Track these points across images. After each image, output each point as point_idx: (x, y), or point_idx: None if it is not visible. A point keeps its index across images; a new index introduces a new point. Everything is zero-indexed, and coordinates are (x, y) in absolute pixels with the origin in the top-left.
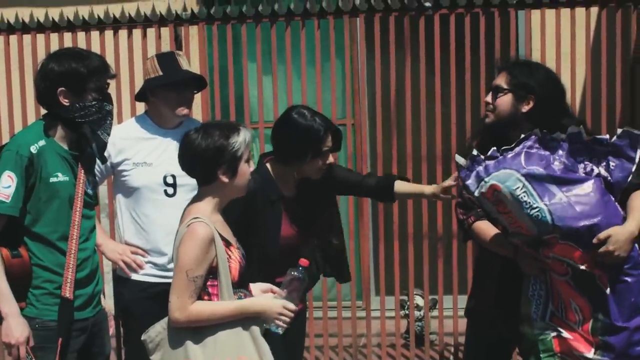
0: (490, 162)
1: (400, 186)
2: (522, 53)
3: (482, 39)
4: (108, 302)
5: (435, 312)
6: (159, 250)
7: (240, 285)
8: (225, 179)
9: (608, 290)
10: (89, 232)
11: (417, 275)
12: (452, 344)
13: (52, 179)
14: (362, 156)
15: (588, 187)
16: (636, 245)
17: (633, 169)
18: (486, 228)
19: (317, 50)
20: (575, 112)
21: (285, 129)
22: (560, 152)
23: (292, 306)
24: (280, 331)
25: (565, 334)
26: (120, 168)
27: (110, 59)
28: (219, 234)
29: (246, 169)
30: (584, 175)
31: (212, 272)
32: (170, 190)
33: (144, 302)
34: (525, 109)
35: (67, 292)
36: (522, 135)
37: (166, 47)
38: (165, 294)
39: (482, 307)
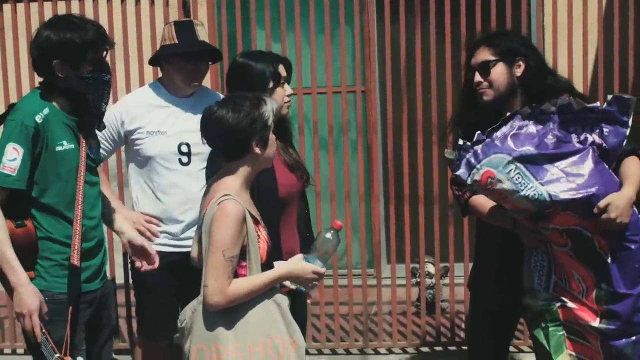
0: (478, 148)
1: None
2: (533, 18)
3: (493, 3)
4: (118, 271)
5: (446, 280)
6: (173, 219)
7: (268, 266)
8: (258, 151)
9: (609, 259)
10: (95, 200)
11: (428, 242)
12: (463, 312)
13: (58, 148)
14: (373, 123)
15: (582, 157)
16: (635, 209)
17: (627, 133)
18: (483, 202)
19: (327, 16)
20: (588, 76)
21: (237, 71)
22: (551, 124)
23: (322, 270)
24: (302, 289)
25: (570, 303)
26: (133, 137)
27: (117, 26)
28: (248, 211)
29: (274, 139)
30: (578, 145)
31: (242, 252)
32: (184, 159)
33: (158, 272)
34: (518, 73)
35: (75, 260)
36: (508, 113)
37: (174, 14)
38: (179, 263)
39: (484, 278)
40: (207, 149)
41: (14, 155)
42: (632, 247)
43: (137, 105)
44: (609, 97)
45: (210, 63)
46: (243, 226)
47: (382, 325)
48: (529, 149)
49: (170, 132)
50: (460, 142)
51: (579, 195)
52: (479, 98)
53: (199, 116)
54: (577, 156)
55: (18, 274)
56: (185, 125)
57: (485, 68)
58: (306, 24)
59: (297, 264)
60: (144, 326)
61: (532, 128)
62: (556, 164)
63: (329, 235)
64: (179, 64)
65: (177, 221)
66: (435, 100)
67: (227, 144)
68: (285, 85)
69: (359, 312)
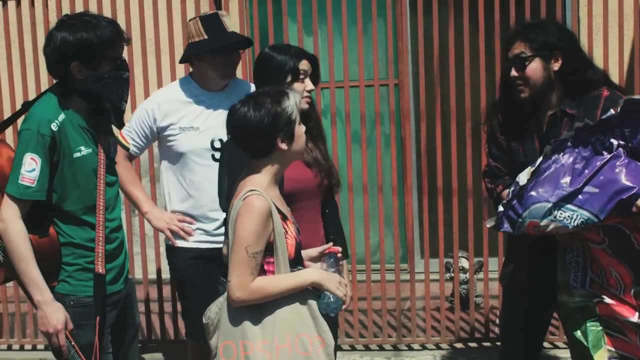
0: (516, 202)
1: None
2: (568, 10)
3: None
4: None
5: (480, 275)
6: (207, 216)
7: (296, 263)
8: (284, 147)
9: None
10: (114, 201)
11: (462, 237)
12: (497, 307)
13: (76, 154)
14: (406, 116)
15: (612, 163)
16: None
17: None
18: (511, 185)
19: (359, 9)
20: (624, 69)
21: (261, 63)
22: (577, 148)
23: (345, 281)
24: (337, 309)
25: (608, 299)
26: (166, 133)
27: (149, 20)
28: (276, 207)
29: (301, 131)
30: (605, 154)
31: (269, 248)
32: (218, 155)
33: (197, 269)
34: (555, 67)
35: (100, 267)
36: (534, 166)
37: (205, 7)
38: (216, 256)
39: (517, 274)
40: None
41: (33, 166)
42: None
43: (169, 101)
44: (620, 101)
45: (241, 52)
46: (269, 222)
47: (416, 321)
48: (563, 189)
49: (203, 127)
50: (500, 209)
51: (619, 198)
52: (517, 94)
53: None
54: (608, 165)
55: (43, 292)
56: (218, 121)
57: (521, 63)
58: (338, 17)
59: (322, 272)
60: (190, 327)
61: (562, 160)
62: (592, 184)
63: (331, 260)
64: (211, 59)
65: (211, 218)
66: (468, 93)
67: (252, 143)
68: (307, 80)
69: (392, 308)
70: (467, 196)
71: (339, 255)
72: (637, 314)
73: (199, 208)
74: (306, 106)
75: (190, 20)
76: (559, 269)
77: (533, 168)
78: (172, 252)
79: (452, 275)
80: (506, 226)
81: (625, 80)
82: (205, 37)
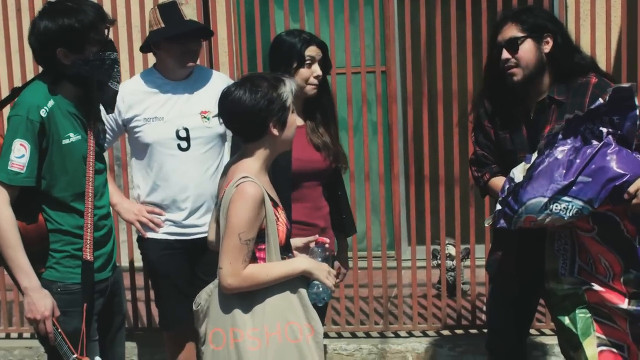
0: (511, 199)
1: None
2: None
3: None
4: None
5: (467, 262)
6: (175, 206)
7: (286, 249)
8: (276, 132)
9: (637, 243)
10: (102, 188)
11: (449, 224)
12: (484, 294)
13: (65, 141)
14: (393, 103)
15: (603, 151)
16: None
17: (637, 113)
18: (502, 185)
19: None
20: (611, 56)
21: (273, 47)
22: (569, 140)
23: (334, 271)
24: (326, 298)
25: (596, 286)
26: (131, 125)
27: (135, 6)
28: (267, 194)
29: (293, 120)
30: (595, 142)
31: (260, 235)
32: (183, 144)
33: (169, 259)
34: (546, 49)
35: (88, 254)
36: (528, 162)
37: None
38: (186, 250)
39: (504, 262)
40: (206, 133)
41: (22, 152)
42: None
43: (133, 92)
44: (609, 89)
45: (201, 42)
46: (261, 209)
47: (403, 308)
48: (557, 183)
49: (168, 117)
50: (497, 209)
51: (611, 186)
52: (508, 79)
53: (197, 99)
54: (600, 153)
55: (30, 279)
56: (183, 110)
57: (513, 45)
58: (325, 3)
59: (312, 261)
60: (164, 317)
61: (555, 154)
62: (584, 173)
63: (319, 249)
64: (168, 47)
65: (180, 208)
66: (456, 80)
67: (244, 126)
68: (314, 66)
69: (379, 295)
70: (454, 183)
71: (327, 245)
72: (626, 300)
73: (167, 198)
74: (313, 92)
75: (151, 9)
76: (547, 256)
77: (528, 165)
78: (143, 243)
79: (439, 262)
80: (502, 222)
81: (612, 67)
82: (163, 25)
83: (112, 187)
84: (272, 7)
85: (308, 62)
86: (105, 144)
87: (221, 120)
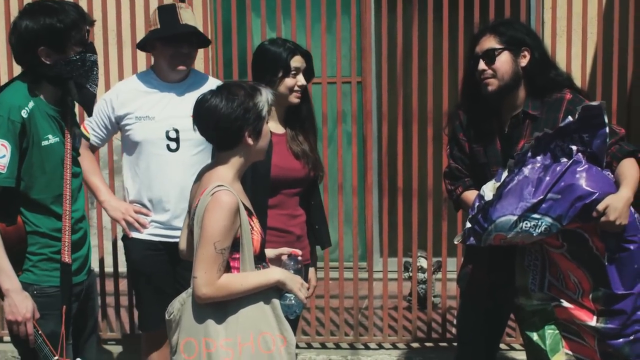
0: (480, 216)
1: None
2: (532, 12)
3: None
4: (107, 259)
5: (439, 275)
6: (161, 207)
7: (260, 259)
8: (250, 141)
9: (606, 261)
10: (77, 192)
11: (421, 237)
12: (455, 308)
13: (44, 142)
14: (368, 115)
15: (573, 169)
16: (632, 209)
17: (607, 131)
18: (472, 202)
19: (323, 5)
20: (586, 73)
21: (256, 56)
22: (539, 158)
23: (306, 285)
24: (297, 311)
25: (566, 303)
26: (123, 122)
27: (111, 12)
28: (242, 203)
29: (267, 130)
30: (564, 160)
31: (235, 244)
32: (173, 145)
33: (151, 259)
34: (523, 63)
35: (66, 257)
36: (499, 180)
37: (169, 0)
38: (170, 252)
39: (475, 276)
40: (196, 136)
41: (3, 152)
42: (631, 247)
43: (128, 91)
44: (578, 108)
45: (195, 48)
46: (236, 218)
47: (373, 320)
48: (526, 201)
49: (159, 117)
50: (467, 226)
51: (580, 204)
52: (483, 88)
53: (190, 101)
54: (569, 171)
55: (12, 280)
56: (175, 111)
57: (490, 56)
58: (302, 13)
59: (286, 272)
60: (143, 318)
61: (525, 172)
62: (553, 191)
63: (291, 262)
64: (162, 48)
65: (165, 209)
66: (431, 93)
67: (219, 134)
68: (299, 76)
69: (350, 306)
70: (428, 196)
71: (299, 258)
72: (595, 317)
73: (153, 198)
74: (296, 101)
75: (154, 10)
76: (517, 271)
77: (498, 183)
78: (127, 242)
79: (411, 274)
80: (472, 240)
81: (587, 83)
82: (158, 26)
83: (101, 184)
84: (249, 14)
85: (294, 72)
86: (100, 142)
87: (195, 128)
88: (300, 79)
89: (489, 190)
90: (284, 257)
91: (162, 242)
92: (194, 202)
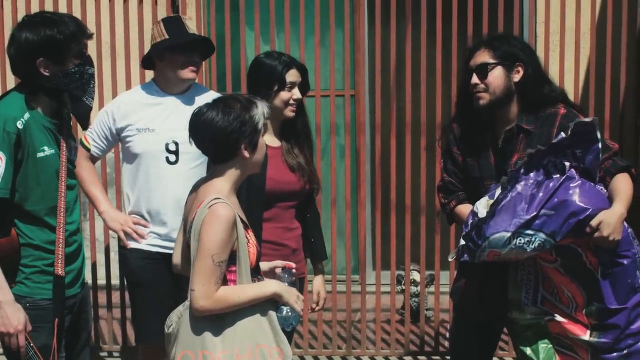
0: (474, 234)
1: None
2: (526, 26)
3: (485, 11)
4: (100, 272)
5: (432, 288)
6: (160, 220)
7: (256, 272)
8: (247, 154)
9: (600, 276)
10: (73, 204)
11: (414, 250)
12: (448, 321)
13: (40, 154)
14: (361, 128)
15: (567, 186)
16: (625, 224)
17: (600, 146)
18: (468, 213)
19: (317, 19)
20: (579, 87)
21: (252, 70)
22: (532, 174)
23: (302, 297)
24: (294, 323)
25: (559, 317)
26: (124, 134)
27: (105, 25)
28: (239, 216)
29: (263, 144)
30: (557, 176)
31: (232, 257)
32: (172, 158)
33: (149, 269)
34: (516, 78)
35: (60, 270)
36: (492, 197)
37: (163, 12)
38: (169, 261)
39: (468, 288)
40: (196, 149)
41: None
42: (625, 262)
43: (130, 103)
44: (571, 125)
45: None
46: (234, 231)
47: (366, 333)
48: (520, 218)
49: (160, 130)
50: (461, 245)
51: (574, 220)
52: (475, 102)
53: (190, 114)
54: (563, 187)
55: (5, 292)
56: (176, 124)
57: (483, 70)
58: (296, 26)
59: (282, 284)
60: (140, 329)
61: (518, 188)
62: (547, 207)
63: (286, 275)
64: (172, 58)
65: (163, 221)
66: (424, 106)
67: (215, 147)
68: (295, 90)
69: (343, 319)
70: (421, 210)
71: (294, 271)
72: (588, 332)
73: (151, 210)
74: (292, 115)
75: (154, 24)
76: (511, 286)
77: (492, 200)
78: (125, 252)
79: (404, 288)
80: (466, 257)
81: (580, 98)
82: (167, 37)
83: (101, 195)
84: (243, 27)
85: (289, 86)
86: (100, 153)
87: (192, 141)
88: (296, 93)
89: (482, 207)
90: (278, 271)
91: (161, 252)
92: (190, 215)
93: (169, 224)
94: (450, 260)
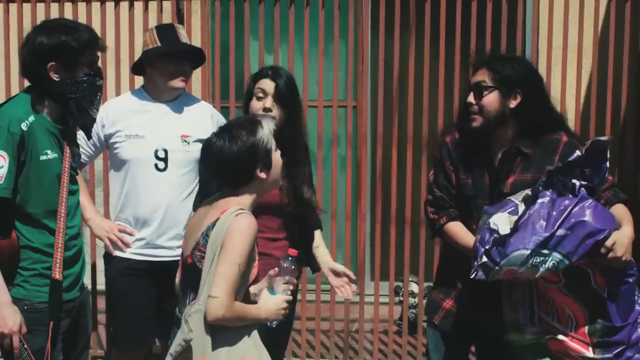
0: (495, 250)
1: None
2: (528, 41)
3: (488, 24)
4: (100, 277)
5: None
6: (145, 226)
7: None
8: (263, 176)
9: (606, 295)
10: (75, 209)
11: (412, 261)
12: None
13: (42, 157)
14: (363, 139)
15: (582, 207)
16: None
17: (607, 165)
18: (458, 231)
19: (321, 29)
20: (580, 102)
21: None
22: (549, 192)
23: (287, 298)
24: (274, 324)
25: (560, 336)
26: (112, 140)
27: (110, 32)
28: None
29: (278, 158)
30: (570, 197)
31: None
32: (161, 165)
33: (129, 279)
34: (512, 104)
35: (57, 274)
36: (486, 212)
37: (167, 19)
38: (150, 271)
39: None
40: (184, 156)
41: (1, 163)
42: (630, 280)
43: (118, 109)
44: (587, 142)
45: (193, 67)
46: (255, 245)
47: (363, 343)
48: (540, 236)
49: (149, 136)
50: (478, 259)
51: (590, 241)
52: (468, 123)
53: (180, 122)
54: (578, 207)
55: (2, 293)
56: (165, 131)
57: (479, 90)
58: (300, 36)
59: (269, 300)
60: (117, 337)
61: (535, 206)
62: (564, 227)
63: (286, 264)
64: (162, 65)
65: (149, 228)
66: (426, 118)
67: (230, 175)
68: (267, 99)
69: (341, 329)
70: (420, 220)
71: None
72: (590, 348)
73: (138, 216)
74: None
75: (146, 31)
76: (506, 307)
77: (514, 217)
78: (108, 260)
79: (402, 299)
80: (480, 274)
81: (581, 113)
82: (159, 44)
83: (87, 202)
84: (247, 37)
85: (260, 95)
86: (87, 159)
87: (209, 172)
88: (266, 102)
89: (502, 223)
90: (281, 262)
91: (145, 260)
92: (199, 229)
93: (154, 229)
94: (471, 277)
